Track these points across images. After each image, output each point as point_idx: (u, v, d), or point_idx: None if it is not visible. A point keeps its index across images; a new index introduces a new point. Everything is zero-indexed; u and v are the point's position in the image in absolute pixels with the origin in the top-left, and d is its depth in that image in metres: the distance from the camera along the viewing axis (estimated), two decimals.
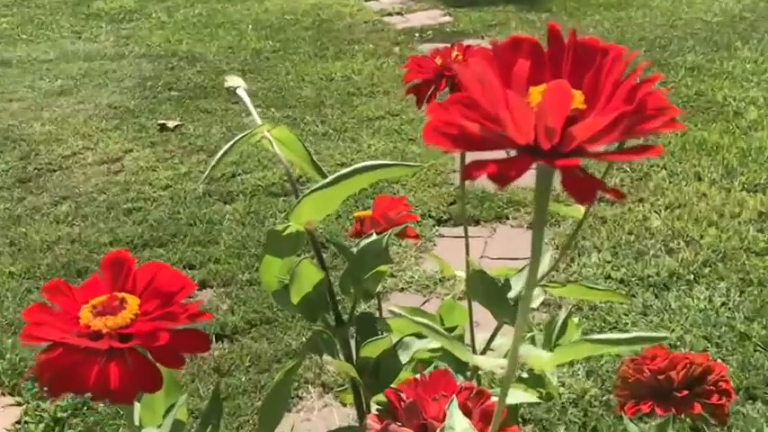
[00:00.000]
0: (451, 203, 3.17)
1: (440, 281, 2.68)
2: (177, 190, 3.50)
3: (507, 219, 3.05)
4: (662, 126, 0.38)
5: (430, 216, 3.11)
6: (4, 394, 2.22)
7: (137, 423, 0.64)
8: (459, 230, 2.99)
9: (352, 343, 0.77)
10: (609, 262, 2.70)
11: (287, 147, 0.87)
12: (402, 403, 0.67)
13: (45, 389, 0.52)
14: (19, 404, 2.17)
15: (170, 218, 3.26)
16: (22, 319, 2.57)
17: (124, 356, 0.53)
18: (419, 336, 0.73)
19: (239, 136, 0.81)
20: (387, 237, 0.79)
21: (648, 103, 0.38)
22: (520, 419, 2.02)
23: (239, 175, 3.60)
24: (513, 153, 0.38)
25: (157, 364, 0.53)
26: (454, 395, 0.62)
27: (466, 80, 0.38)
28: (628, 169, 3.33)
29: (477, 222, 3.04)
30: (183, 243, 3.03)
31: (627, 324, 2.36)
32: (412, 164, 0.74)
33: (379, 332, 0.75)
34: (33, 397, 2.17)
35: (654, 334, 0.41)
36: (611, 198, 0.40)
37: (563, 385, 2.14)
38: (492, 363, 0.43)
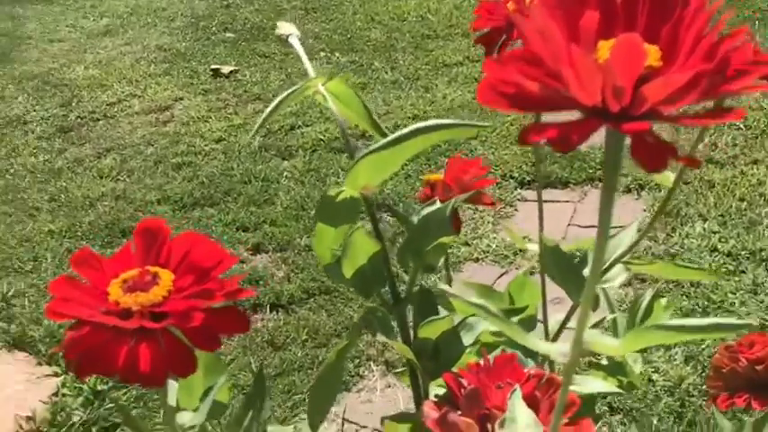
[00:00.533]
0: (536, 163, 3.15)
1: (520, 251, 2.67)
2: (231, 143, 3.56)
3: (600, 181, 3.02)
4: (749, 87, 0.37)
5: (511, 177, 3.09)
6: (41, 363, 2.31)
7: (173, 404, 0.66)
8: (545, 194, 2.98)
9: (411, 322, 0.79)
10: (716, 232, 2.65)
11: (343, 102, 0.88)
12: (462, 390, 0.68)
13: (72, 368, 0.55)
14: (56, 374, 2.25)
15: (223, 174, 3.32)
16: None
17: (156, 337, 0.54)
18: None
19: (289, 91, 0.82)
20: (450, 205, 0.79)
21: (733, 60, 0.37)
22: (607, 408, 2.02)
23: (299, 127, 3.63)
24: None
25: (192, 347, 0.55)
26: (518, 384, 0.62)
27: (526, 33, 0.38)
28: (741, 126, 3.25)
29: (565, 185, 3.02)
30: (236, 202, 3.08)
31: (734, 304, 2.33)
32: (480, 123, 0.74)
33: (441, 311, 0.76)
34: None
35: (735, 321, 0.40)
36: (686, 165, 0.40)
37: (657, 371, 2.12)
38: (552, 348, 0.43)
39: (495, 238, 2.75)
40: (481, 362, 0.70)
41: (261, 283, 2.65)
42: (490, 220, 2.86)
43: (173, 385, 0.70)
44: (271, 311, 2.55)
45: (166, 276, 0.57)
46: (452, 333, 0.74)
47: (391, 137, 0.79)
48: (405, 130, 0.78)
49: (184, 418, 0.67)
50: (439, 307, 0.79)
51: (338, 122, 0.87)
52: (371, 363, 2.33)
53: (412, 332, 0.78)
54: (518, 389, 0.61)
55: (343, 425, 2.13)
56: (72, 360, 0.54)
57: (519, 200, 2.98)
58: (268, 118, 0.88)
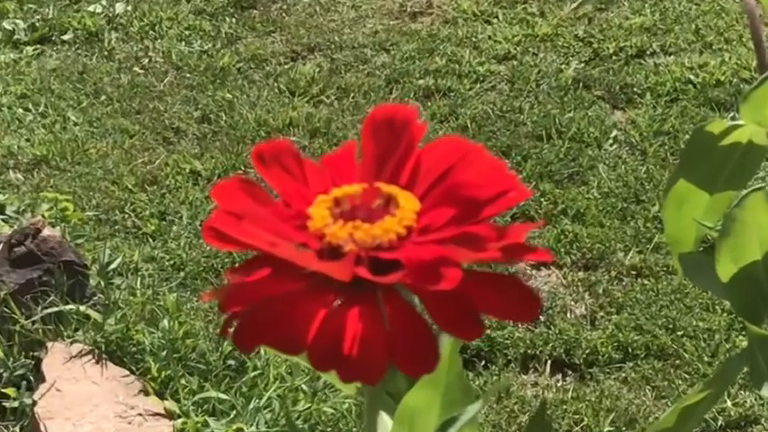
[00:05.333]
0: None
1: None
2: (523, 66, 3.60)
3: None
4: None
5: None
6: (146, 392, 2.41)
7: None
8: None
9: None
10: None
11: None
12: None
13: (232, 333, 0.57)
14: (171, 415, 2.35)
15: (502, 116, 3.35)
16: (192, 259, 2.80)
17: (375, 299, 0.56)
18: None
19: None
20: None
21: None
22: None
23: (652, 54, 3.63)
24: None
25: (434, 327, 0.55)
26: None
27: None
28: None
29: None
30: (518, 169, 3.10)
31: None
32: None
33: None
34: (199, 408, 2.34)
35: None
36: None
37: None
38: None
39: None
40: None
41: (542, 318, 2.67)
42: None
43: (384, 422, 0.72)
44: (553, 371, 2.56)
45: (408, 203, 0.59)
46: None
47: None
48: None
49: None
50: None
51: (749, 15, 0.87)
52: None
53: None
54: None
55: None
56: (233, 317, 0.56)
57: None
58: None
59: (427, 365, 0.55)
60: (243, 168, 3.15)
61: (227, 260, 2.77)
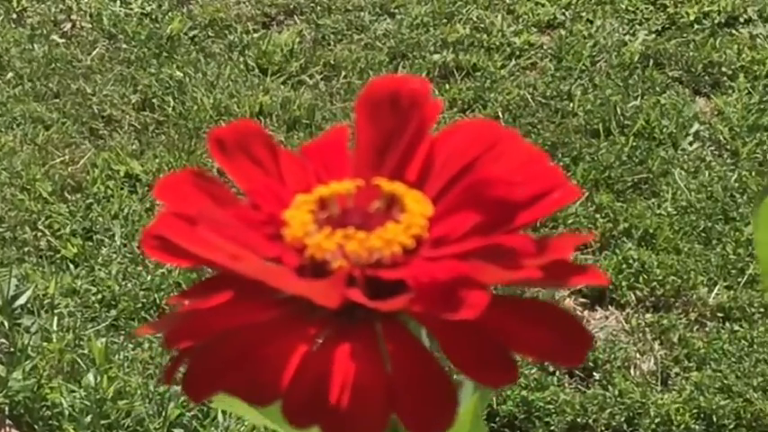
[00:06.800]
0: None
1: None
2: (576, 38, 3.61)
3: None
4: None
5: None
6: None
7: None
8: None
9: None
10: None
11: None
12: None
13: (182, 377, 0.56)
14: None
15: (544, 105, 3.37)
16: (127, 293, 2.79)
17: (372, 333, 0.56)
18: None
19: None
20: None
21: None
22: None
23: (748, 22, 3.65)
24: None
25: (448, 368, 0.55)
26: None
27: None
28: None
29: None
30: (571, 174, 3.11)
31: None
32: None
33: None
34: None
35: None
36: None
37: None
38: None
39: None
40: None
41: (597, 375, 2.67)
42: None
43: None
44: None
45: (417, 206, 0.58)
46: None
47: None
48: None
49: None
50: None
51: None
52: None
53: None
54: None
55: None
56: (183, 356, 0.55)
57: None
58: None
59: (441, 422, 0.54)
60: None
61: (174, 294, 2.77)
